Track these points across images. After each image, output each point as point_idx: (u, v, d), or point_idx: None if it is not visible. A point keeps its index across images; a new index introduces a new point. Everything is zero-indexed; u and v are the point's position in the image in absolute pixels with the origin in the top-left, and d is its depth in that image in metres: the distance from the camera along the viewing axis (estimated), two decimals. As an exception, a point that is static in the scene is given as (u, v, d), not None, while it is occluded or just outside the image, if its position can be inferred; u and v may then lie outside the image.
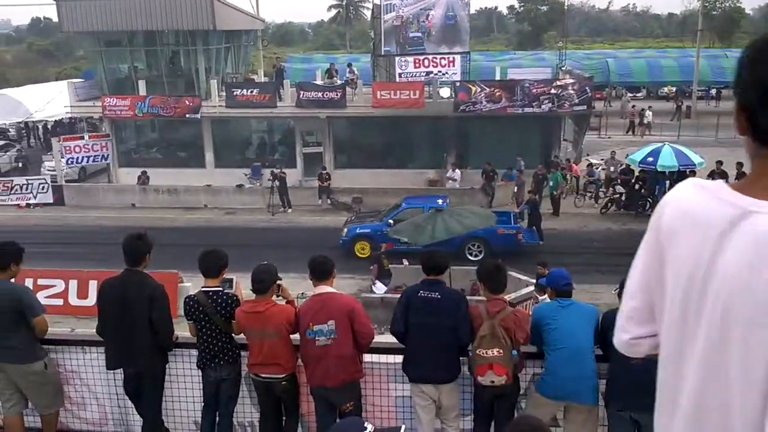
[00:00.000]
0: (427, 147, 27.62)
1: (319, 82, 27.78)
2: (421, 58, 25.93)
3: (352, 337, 4.79)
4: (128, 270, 5.06)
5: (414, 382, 4.90)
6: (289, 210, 23.85)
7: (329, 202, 24.23)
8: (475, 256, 18.29)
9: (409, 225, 15.13)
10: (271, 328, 4.82)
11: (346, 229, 19.35)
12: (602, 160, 25.96)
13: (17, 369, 5.11)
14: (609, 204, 22.65)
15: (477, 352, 4.58)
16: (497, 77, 29.86)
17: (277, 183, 23.55)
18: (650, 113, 36.60)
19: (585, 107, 24.91)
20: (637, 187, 22.14)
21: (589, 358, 4.60)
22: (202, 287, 5.09)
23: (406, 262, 16.60)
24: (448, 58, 25.95)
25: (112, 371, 5.26)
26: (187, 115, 26.05)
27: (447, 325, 4.72)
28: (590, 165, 25.14)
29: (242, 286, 5.35)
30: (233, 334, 5.05)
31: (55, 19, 29.72)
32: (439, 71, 26.11)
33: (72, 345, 5.47)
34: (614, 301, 5.01)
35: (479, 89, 24.60)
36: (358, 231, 19.16)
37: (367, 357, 5.05)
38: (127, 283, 5.02)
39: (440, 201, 18.79)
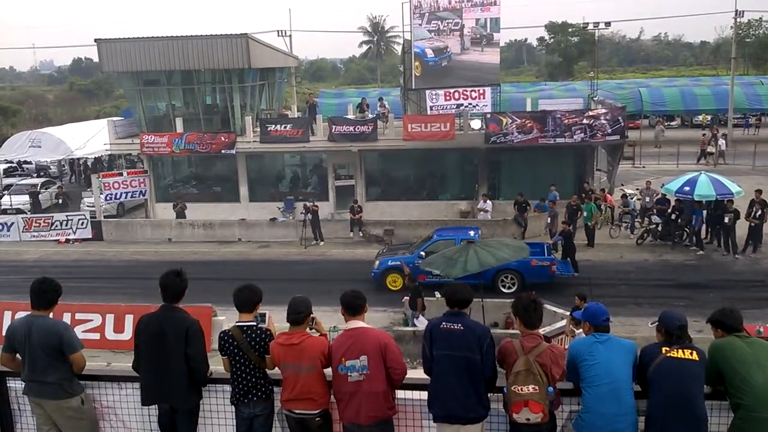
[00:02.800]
0: (458, 178, 27.65)
1: (350, 116, 28.18)
2: (452, 90, 26.10)
3: (384, 372, 4.75)
4: (165, 306, 5.12)
5: (437, 421, 4.80)
6: (322, 243, 23.99)
7: (361, 234, 24.30)
8: (508, 288, 18.12)
9: (440, 257, 15.03)
10: (307, 361, 4.82)
11: (378, 262, 19.36)
12: (637, 189, 25.60)
13: (55, 405, 5.17)
14: (645, 234, 22.24)
15: (512, 388, 4.49)
16: (528, 108, 29.90)
17: (309, 216, 23.76)
18: (723, 141, 35.66)
19: (618, 137, 24.69)
20: (673, 217, 21.73)
21: (628, 395, 4.48)
22: (237, 322, 5.12)
23: (437, 295, 16.48)
24: (479, 90, 26.07)
25: (147, 407, 5.29)
26: (223, 151, 26.57)
27: (470, 358, 4.64)
28: (625, 195, 24.81)
29: (274, 319, 5.36)
30: (267, 370, 5.06)
31: (96, 59, 30.72)
32: (470, 103, 26.23)
33: (108, 381, 5.51)
34: (651, 334, 4.88)
35: (510, 120, 24.61)
36: (389, 263, 19.17)
37: (400, 393, 4.98)
38: (163, 319, 5.07)
39: (472, 233, 18.77)
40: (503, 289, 17.83)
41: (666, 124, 45.00)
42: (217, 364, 5.31)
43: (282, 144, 26.43)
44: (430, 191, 27.57)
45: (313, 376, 4.84)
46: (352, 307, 4.93)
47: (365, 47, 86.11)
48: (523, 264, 17.29)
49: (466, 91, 26.13)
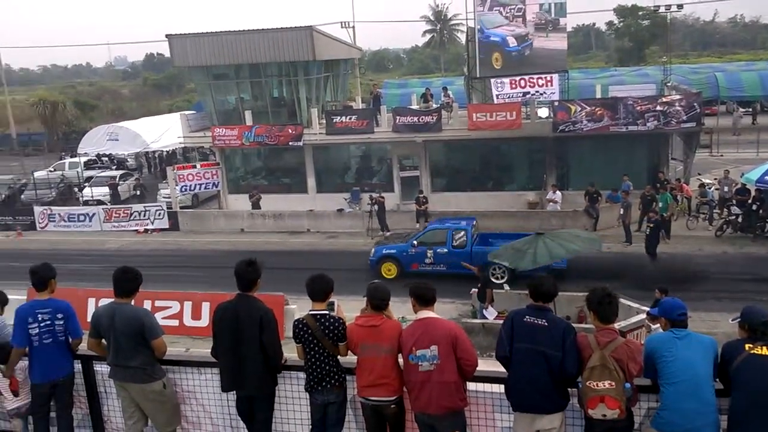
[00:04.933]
0: (525, 168, 27.20)
1: (414, 106, 28.10)
2: (518, 78, 25.61)
3: (455, 363, 4.76)
4: (240, 295, 5.29)
5: (516, 410, 4.79)
6: (388, 233, 24.12)
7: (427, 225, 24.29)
8: (498, 279, 17.81)
9: (508, 249, 14.89)
10: (386, 342, 4.92)
11: (373, 250, 20.00)
12: (715, 179, 24.55)
13: (138, 388, 5.42)
14: (724, 226, 21.34)
15: (587, 384, 4.41)
16: (598, 95, 29.05)
17: (375, 207, 23.91)
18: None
19: (694, 124, 23.71)
20: (754, 207, 20.76)
21: (708, 392, 4.34)
22: (310, 311, 5.23)
23: (507, 288, 16.35)
24: (546, 77, 25.47)
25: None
26: (290, 143, 27.04)
27: (552, 354, 4.58)
28: (702, 185, 23.85)
29: (343, 308, 5.45)
30: (340, 357, 5.16)
31: (167, 54, 31.69)
32: (537, 91, 25.67)
33: (188, 366, 5.72)
34: (733, 330, 4.70)
35: (579, 108, 24.02)
36: (384, 252, 19.70)
37: (471, 386, 4.98)
38: (239, 308, 5.24)
39: (464, 223, 19.52)
40: (494, 280, 17.38)
41: (744, 110, 42.74)
42: (290, 352, 5.45)
43: (347, 135, 26.67)
44: (496, 182, 27.25)
45: (391, 360, 4.93)
46: (424, 298, 4.98)
47: (428, 36, 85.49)
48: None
49: (533, 78, 25.48)
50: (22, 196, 32.02)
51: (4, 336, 6.20)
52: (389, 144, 27.24)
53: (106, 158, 38.79)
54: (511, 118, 24.41)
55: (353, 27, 39.35)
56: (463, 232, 18.92)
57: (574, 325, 5.84)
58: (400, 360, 4.97)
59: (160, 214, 27.25)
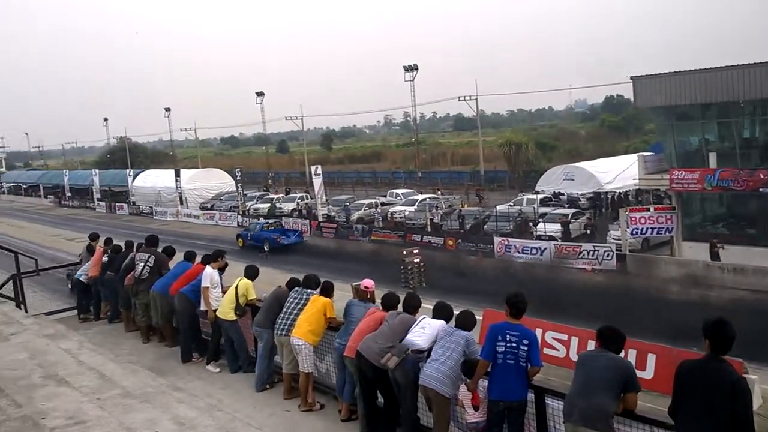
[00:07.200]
0: None
1: None
2: None
3: None
4: (711, 356, 4.87)
5: None
6: None
7: None
8: None
9: None
10: None
11: None
12: None
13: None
14: None
15: None
16: None
17: None
18: None
19: None
20: None
21: None
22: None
23: None
24: None
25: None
26: (761, 189, 23.97)
27: None
28: None
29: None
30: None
31: (627, 96, 31.68)
32: None
33: (643, 422, 5.48)
34: None
35: None
36: None
37: None
38: (707, 370, 4.83)
39: None
40: None
41: None
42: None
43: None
44: None
45: None
46: None
47: None
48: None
49: None
50: (485, 227, 35.90)
51: None
52: None
53: (562, 196, 40.61)
54: None
55: None
56: None
57: None
58: None
59: (608, 255, 27.21)
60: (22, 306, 10.00)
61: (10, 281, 10.72)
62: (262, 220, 41.94)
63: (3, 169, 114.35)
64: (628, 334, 5.84)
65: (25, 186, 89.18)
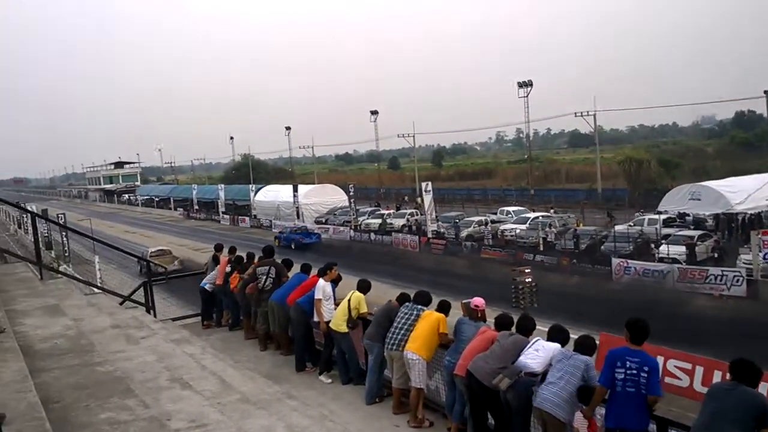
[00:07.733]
0: None
1: None
2: None
3: None
4: None
5: None
6: None
7: None
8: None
9: None
10: None
11: None
12: None
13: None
14: None
15: None
16: None
17: None
18: None
19: None
20: None
21: None
22: None
23: None
24: None
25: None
26: None
27: None
28: None
29: None
30: None
31: (759, 111, 29.46)
32: None
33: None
34: None
35: None
36: None
37: None
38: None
39: None
40: None
41: None
42: None
43: None
44: None
45: None
46: None
47: None
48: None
49: None
50: (602, 247, 34.47)
51: None
52: None
53: (688, 217, 38.29)
54: None
55: None
56: None
57: None
58: None
59: (738, 280, 25.33)
60: (152, 311, 10.65)
61: (141, 287, 11.43)
62: (292, 224, 53.12)
63: (138, 183, 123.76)
64: (760, 366, 5.42)
65: (157, 199, 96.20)
